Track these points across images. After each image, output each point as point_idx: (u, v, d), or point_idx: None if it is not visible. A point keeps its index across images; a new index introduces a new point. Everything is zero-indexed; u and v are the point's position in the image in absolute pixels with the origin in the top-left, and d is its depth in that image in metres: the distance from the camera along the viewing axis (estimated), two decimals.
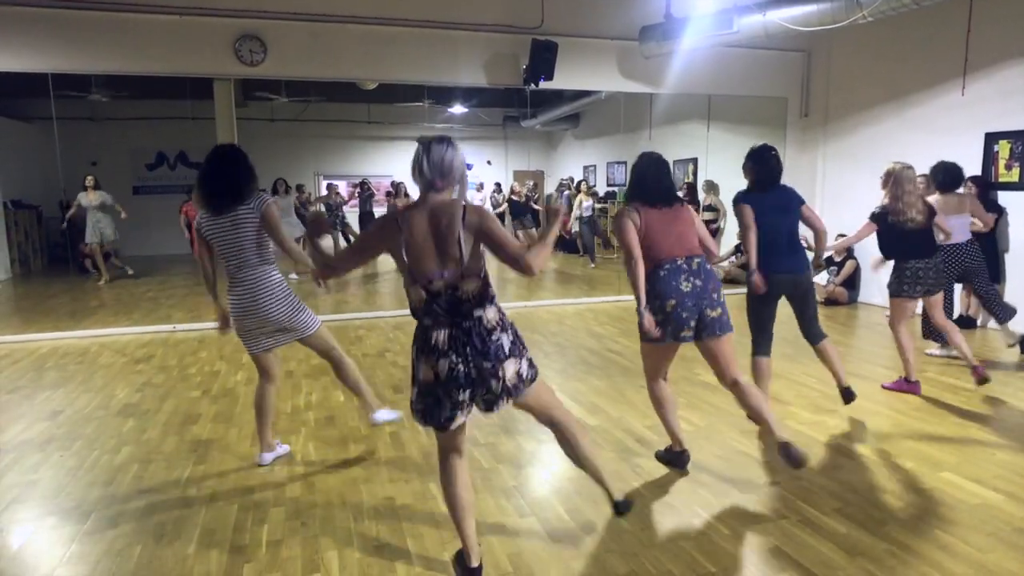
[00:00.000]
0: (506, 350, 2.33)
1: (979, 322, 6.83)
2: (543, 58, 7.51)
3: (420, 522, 2.99)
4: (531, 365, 2.42)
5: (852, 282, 8.25)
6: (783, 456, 3.13)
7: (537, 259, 2.25)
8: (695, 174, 11.18)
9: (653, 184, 3.21)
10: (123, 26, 6.61)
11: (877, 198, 8.00)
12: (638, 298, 3.13)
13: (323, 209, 11.69)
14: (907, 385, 4.69)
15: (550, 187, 16.09)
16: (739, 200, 3.94)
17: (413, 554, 2.73)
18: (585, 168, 15.15)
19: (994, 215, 6.51)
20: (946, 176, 5.37)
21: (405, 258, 2.30)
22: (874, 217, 4.58)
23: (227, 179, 3.18)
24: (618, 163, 13.64)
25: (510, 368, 2.33)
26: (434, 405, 2.34)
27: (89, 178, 9.66)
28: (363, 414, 3.98)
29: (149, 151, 14.45)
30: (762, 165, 3.89)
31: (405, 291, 2.37)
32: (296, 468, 3.58)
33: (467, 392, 2.30)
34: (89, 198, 9.59)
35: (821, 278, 8.49)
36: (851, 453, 3.69)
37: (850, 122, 8.47)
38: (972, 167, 6.84)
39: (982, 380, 4.59)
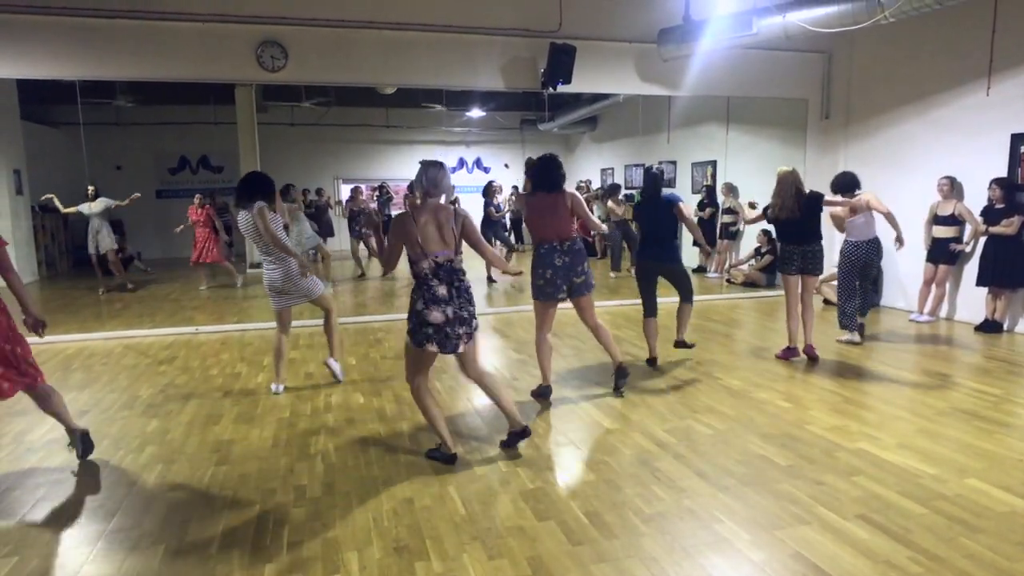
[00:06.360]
0: (473, 302, 3.52)
1: (1005, 327, 6.72)
2: (561, 61, 7.51)
3: (439, 523, 3.00)
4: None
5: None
6: (617, 376, 4.71)
7: (495, 260, 3.85)
8: (714, 177, 11.11)
9: (543, 176, 4.51)
10: (148, 33, 6.72)
11: (900, 200, 7.89)
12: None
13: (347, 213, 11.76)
14: (785, 352, 5.66)
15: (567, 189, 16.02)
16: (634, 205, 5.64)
17: (432, 555, 2.74)
18: (603, 171, 15.11)
19: (1021, 218, 6.41)
20: (847, 181, 6.09)
21: (418, 240, 3.36)
22: (764, 209, 5.74)
23: (244, 188, 4.70)
24: (636, 166, 13.58)
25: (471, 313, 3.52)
26: (445, 339, 3.44)
27: (90, 188, 9.48)
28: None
29: (172, 155, 14.69)
30: (644, 183, 5.50)
31: (411, 263, 3.43)
32: (316, 469, 3.61)
33: (463, 328, 3.46)
34: (92, 207, 9.43)
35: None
36: (873, 458, 3.64)
37: (872, 124, 8.37)
38: (997, 169, 6.74)
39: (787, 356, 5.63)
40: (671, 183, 12.43)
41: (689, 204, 10.84)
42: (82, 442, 3.73)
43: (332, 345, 5.19)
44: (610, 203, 10.84)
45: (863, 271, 6.18)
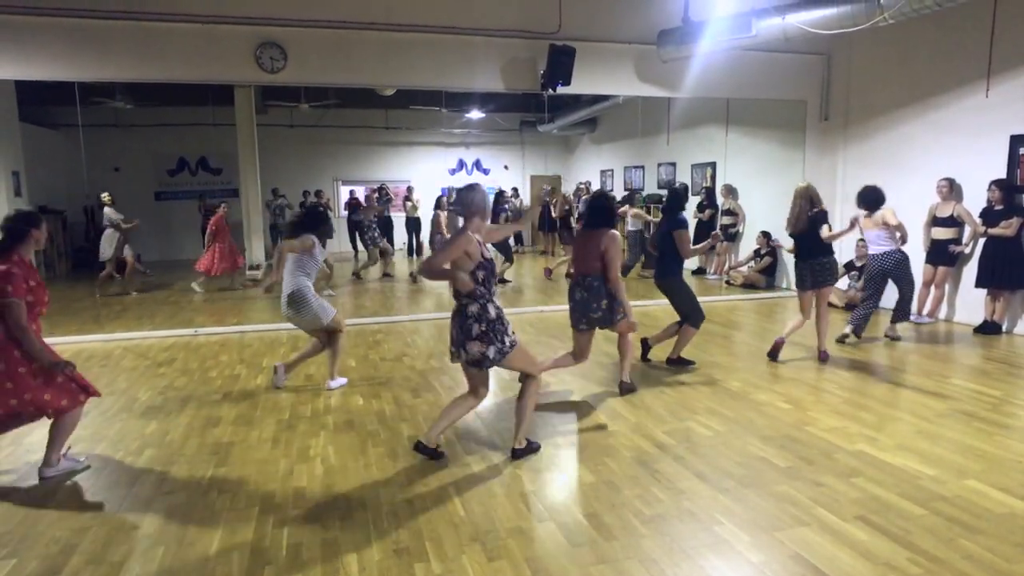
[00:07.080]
0: (473, 335, 3.43)
1: (1004, 328, 6.73)
2: (561, 63, 7.51)
3: (439, 525, 3.00)
4: (499, 351, 3.45)
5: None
6: (619, 390, 4.86)
7: (424, 267, 3.45)
8: (713, 178, 11.12)
9: (587, 212, 4.81)
10: (147, 35, 6.71)
11: (899, 202, 7.89)
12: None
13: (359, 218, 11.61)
14: (775, 343, 5.79)
15: (567, 191, 16.06)
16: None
17: (432, 556, 2.74)
18: (603, 172, 15.14)
19: (1020, 219, 6.42)
20: (874, 196, 6.09)
21: None
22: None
23: (299, 221, 5.28)
24: (635, 167, 13.60)
25: (474, 347, 3.43)
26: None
27: (106, 196, 9.37)
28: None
29: (171, 157, 14.67)
30: (667, 203, 5.67)
31: None
32: (316, 471, 3.61)
33: (454, 348, 3.55)
34: (116, 214, 9.41)
35: (842, 283, 8.38)
36: (872, 459, 3.65)
37: (871, 125, 8.38)
38: (996, 170, 6.74)
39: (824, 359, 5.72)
40: (670, 184, 12.45)
41: (688, 226, 10.87)
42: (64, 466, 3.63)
43: (333, 367, 5.11)
44: (633, 210, 10.87)
45: (897, 280, 6.30)
